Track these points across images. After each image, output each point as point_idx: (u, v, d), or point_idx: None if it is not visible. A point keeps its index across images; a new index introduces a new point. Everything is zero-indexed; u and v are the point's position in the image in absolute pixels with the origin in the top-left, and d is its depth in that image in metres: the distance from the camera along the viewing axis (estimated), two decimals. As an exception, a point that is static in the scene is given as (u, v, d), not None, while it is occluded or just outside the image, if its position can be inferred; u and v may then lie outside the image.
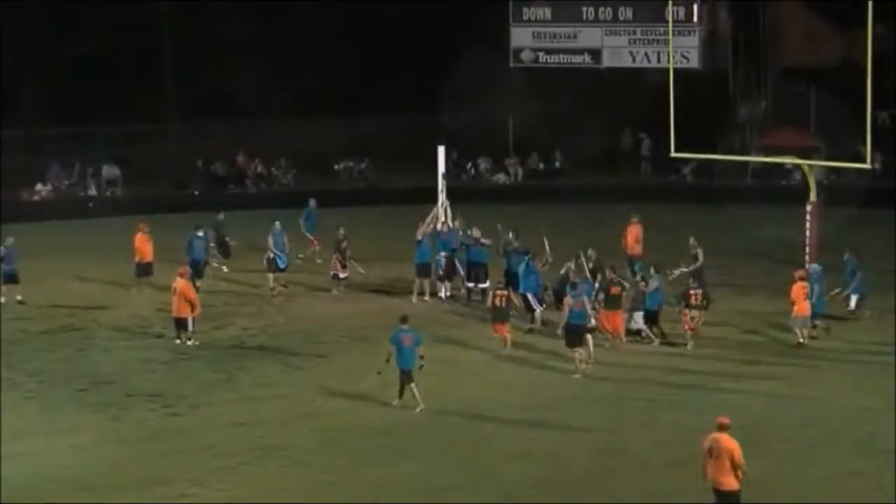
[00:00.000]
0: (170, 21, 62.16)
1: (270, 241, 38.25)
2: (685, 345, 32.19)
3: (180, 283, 32.35)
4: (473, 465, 23.88)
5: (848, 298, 34.20)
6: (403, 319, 27.87)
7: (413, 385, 27.06)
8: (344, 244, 37.75)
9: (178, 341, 32.25)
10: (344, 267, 37.75)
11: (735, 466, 19.94)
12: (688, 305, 32.70)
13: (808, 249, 40.38)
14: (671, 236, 38.15)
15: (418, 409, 26.95)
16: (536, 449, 24.73)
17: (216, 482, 23.18)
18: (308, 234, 41.51)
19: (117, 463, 24.17)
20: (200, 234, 37.38)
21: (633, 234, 38.73)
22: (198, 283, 35.51)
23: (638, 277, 33.51)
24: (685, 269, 35.11)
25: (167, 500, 22.48)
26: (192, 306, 32.22)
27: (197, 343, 32.15)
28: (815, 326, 32.53)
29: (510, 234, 36.47)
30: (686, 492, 22.34)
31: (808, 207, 40.66)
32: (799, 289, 31.93)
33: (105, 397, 28.24)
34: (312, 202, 42.72)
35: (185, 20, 61.14)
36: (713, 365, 30.31)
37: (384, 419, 26.58)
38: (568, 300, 30.72)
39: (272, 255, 38.07)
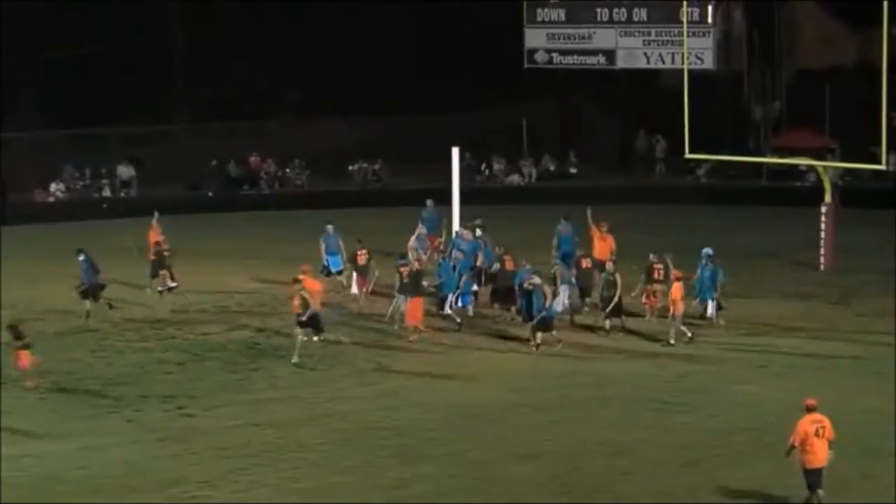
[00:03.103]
0: (182, 22, 62.31)
1: (322, 244, 37.75)
2: (643, 316, 33.00)
3: (306, 281, 32.46)
4: (485, 466, 23.90)
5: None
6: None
7: None
8: (166, 253, 36.50)
9: (315, 338, 32.18)
10: (172, 277, 36.61)
11: (831, 442, 21.38)
12: (650, 280, 33.05)
13: (822, 251, 40.42)
14: (681, 238, 38.06)
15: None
16: (548, 450, 24.73)
17: (229, 483, 23.22)
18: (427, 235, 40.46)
19: (130, 464, 24.22)
20: (82, 257, 35.43)
21: (608, 244, 36.81)
22: (88, 307, 34.96)
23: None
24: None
25: (180, 502, 22.52)
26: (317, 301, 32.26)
27: (322, 339, 32.15)
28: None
29: (479, 231, 36.48)
30: (699, 493, 22.35)
31: (823, 209, 40.68)
32: (678, 289, 31.98)
33: (118, 398, 28.30)
34: (430, 202, 40.66)
35: (197, 21, 61.28)
36: (724, 367, 30.26)
37: (397, 420, 26.60)
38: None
39: (325, 259, 37.52)
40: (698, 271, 33.40)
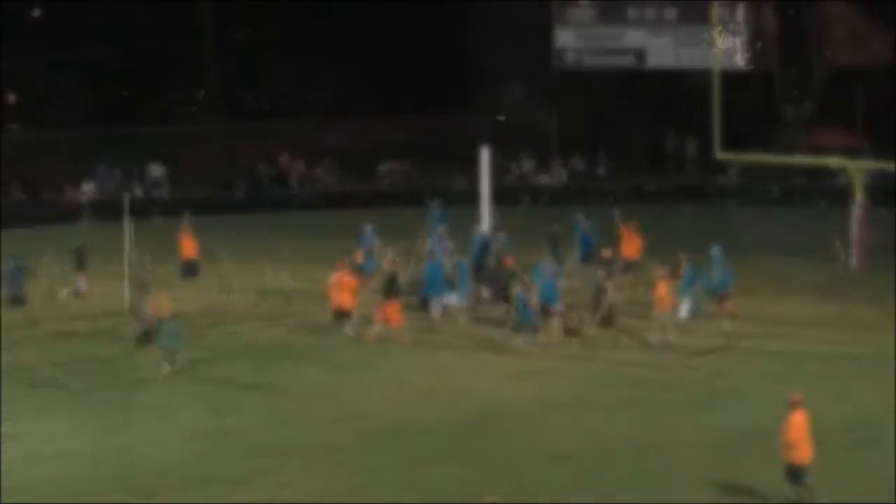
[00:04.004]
0: (212, 22, 62.45)
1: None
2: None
3: (344, 278, 32.69)
4: (516, 466, 23.90)
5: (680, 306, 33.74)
6: None
7: None
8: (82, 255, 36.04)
9: (347, 331, 32.47)
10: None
11: None
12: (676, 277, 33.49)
13: (853, 250, 40.26)
14: (711, 237, 37.77)
15: None
16: (579, 450, 24.71)
17: (260, 482, 23.28)
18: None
19: (161, 463, 24.31)
20: (12, 265, 35.28)
21: (635, 242, 37.52)
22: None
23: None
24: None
25: (211, 501, 22.59)
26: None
27: (356, 335, 32.38)
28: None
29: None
30: (730, 493, 22.30)
31: (854, 208, 40.52)
32: (662, 287, 32.18)
33: (150, 398, 28.40)
34: (436, 203, 41.11)
35: (226, 21, 61.41)
36: (756, 367, 30.18)
37: (427, 420, 26.63)
38: None
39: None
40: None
